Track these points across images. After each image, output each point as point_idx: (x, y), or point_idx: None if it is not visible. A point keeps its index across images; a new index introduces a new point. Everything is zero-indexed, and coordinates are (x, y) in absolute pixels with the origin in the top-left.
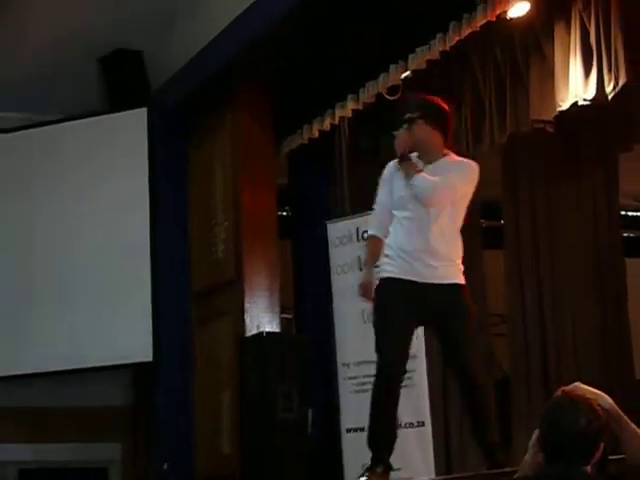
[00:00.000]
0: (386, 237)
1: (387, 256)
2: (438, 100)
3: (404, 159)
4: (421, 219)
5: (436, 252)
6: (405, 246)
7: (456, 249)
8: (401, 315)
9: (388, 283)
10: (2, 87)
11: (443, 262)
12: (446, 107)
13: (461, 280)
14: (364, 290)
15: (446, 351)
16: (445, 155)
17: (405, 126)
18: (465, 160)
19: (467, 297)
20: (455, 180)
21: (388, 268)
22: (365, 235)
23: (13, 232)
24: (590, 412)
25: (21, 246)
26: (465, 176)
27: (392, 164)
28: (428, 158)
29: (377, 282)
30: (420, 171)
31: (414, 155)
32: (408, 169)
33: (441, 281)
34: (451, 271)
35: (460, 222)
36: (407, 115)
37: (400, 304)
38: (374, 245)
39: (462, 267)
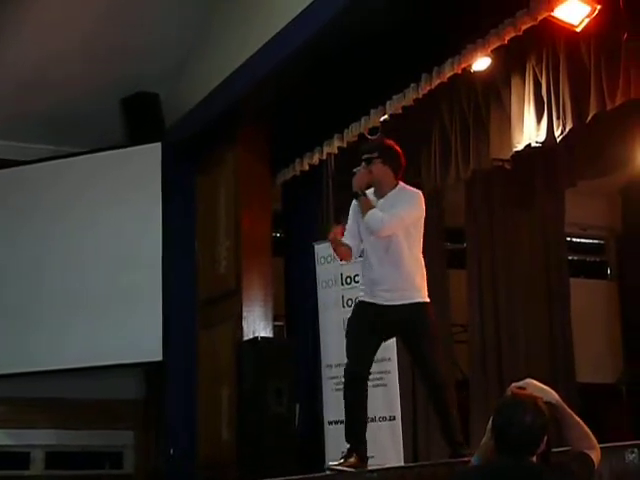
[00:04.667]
0: (355, 252)
1: (361, 284)
2: (393, 143)
3: (359, 195)
4: (376, 249)
5: (392, 278)
6: (367, 275)
7: (414, 272)
8: (365, 331)
9: (359, 304)
10: (32, 122)
11: (401, 285)
12: (399, 150)
13: (421, 298)
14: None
15: (413, 359)
16: (395, 186)
17: (364, 164)
18: (411, 190)
19: (428, 311)
20: (402, 211)
21: (361, 294)
22: None
23: (51, 250)
24: (535, 410)
25: (62, 264)
26: (412, 205)
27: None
28: (382, 192)
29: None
30: (372, 207)
31: (370, 191)
32: (363, 205)
33: (400, 302)
34: (409, 292)
35: (418, 246)
36: (366, 155)
37: (365, 322)
38: (345, 249)
39: (423, 285)
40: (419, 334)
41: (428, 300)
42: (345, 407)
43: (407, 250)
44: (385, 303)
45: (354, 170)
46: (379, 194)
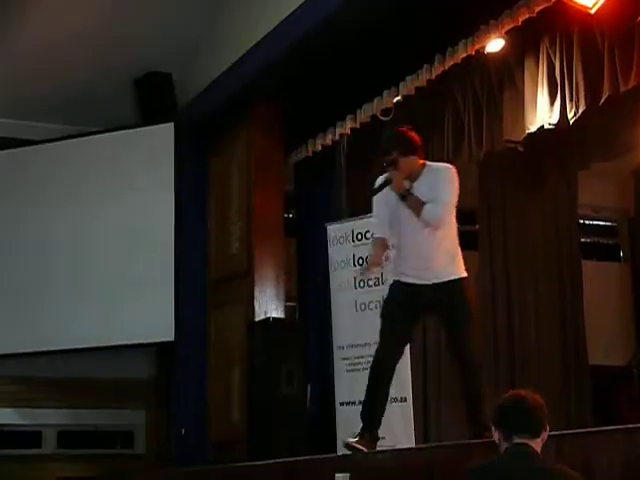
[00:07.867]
0: (390, 240)
1: (395, 263)
2: (404, 130)
3: (406, 196)
4: (417, 231)
5: (432, 257)
6: (407, 255)
7: (451, 249)
8: (402, 313)
9: (395, 284)
10: (49, 103)
11: (440, 263)
12: (413, 133)
13: (459, 274)
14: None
15: (448, 338)
16: (423, 166)
17: (392, 168)
18: (444, 167)
19: (466, 288)
20: (449, 196)
21: (396, 272)
22: (359, 236)
23: (64, 230)
24: (534, 398)
25: (75, 243)
26: (453, 185)
27: (381, 179)
28: (413, 177)
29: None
30: (423, 203)
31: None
32: (415, 205)
33: (439, 280)
34: (448, 269)
35: (454, 222)
36: (388, 158)
37: (403, 303)
38: (381, 244)
39: (460, 260)
40: (456, 313)
41: (465, 275)
42: (368, 387)
43: (447, 228)
44: (425, 282)
45: (387, 177)
46: (411, 179)
